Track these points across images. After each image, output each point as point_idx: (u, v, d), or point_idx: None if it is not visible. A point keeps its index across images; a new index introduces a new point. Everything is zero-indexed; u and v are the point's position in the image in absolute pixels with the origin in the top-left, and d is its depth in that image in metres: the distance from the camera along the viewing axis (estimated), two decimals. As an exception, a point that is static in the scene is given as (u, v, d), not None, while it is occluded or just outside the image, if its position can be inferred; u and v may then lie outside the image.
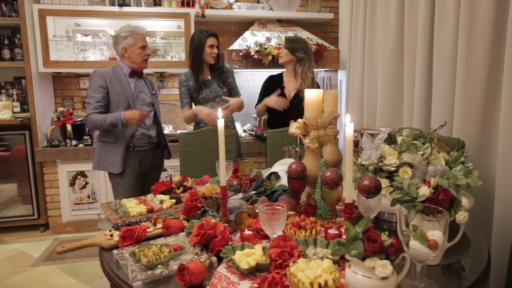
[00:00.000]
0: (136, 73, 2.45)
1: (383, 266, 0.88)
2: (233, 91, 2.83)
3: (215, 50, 2.65)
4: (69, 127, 3.39)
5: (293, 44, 2.80)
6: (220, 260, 1.14)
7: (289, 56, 2.81)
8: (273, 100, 2.81)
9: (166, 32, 3.78)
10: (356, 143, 1.68)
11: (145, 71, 2.52)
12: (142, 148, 2.43)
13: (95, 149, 2.49)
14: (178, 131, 3.23)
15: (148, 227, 1.36)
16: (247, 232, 1.24)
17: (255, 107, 3.02)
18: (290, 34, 3.71)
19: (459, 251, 1.25)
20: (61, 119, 3.38)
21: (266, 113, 3.04)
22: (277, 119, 2.89)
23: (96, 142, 2.48)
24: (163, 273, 1.07)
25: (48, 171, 3.39)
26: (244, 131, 3.75)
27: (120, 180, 2.40)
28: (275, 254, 1.04)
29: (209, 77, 2.73)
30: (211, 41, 2.63)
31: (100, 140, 2.42)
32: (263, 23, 3.83)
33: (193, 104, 2.79)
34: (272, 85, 2.93)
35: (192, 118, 2.74)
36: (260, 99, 2.97)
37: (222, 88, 2.73)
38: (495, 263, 1.94)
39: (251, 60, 3.47)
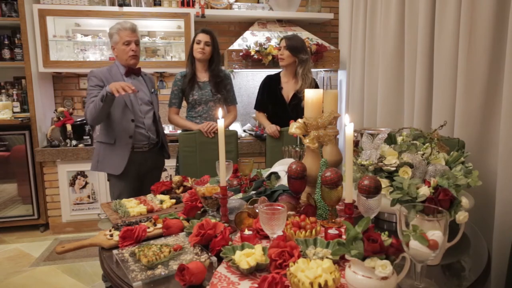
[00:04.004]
0: (133, 71, 2.39)
1: (383, 266, 0.88)
2: (229, 99, 2.81)
3: (201, 46, 2.64)
4: (69, 127, 3.38)
5: (294, 44, 2.76)
6: (220, 260, 1.14)
7: (291, 58, 2.78)
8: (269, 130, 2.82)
9: (166, 32, 3.78)
10: (356, 143, 1.68)
11: (145, 70, 2.50)
12: (141, 149, 2.38)
13: (94, 150, 2.43)
14: (178, 131, 3.23)
15: (148, 227, 1.36)
16: (247, 232, 1.24)
17: (255, 109, 3.01)
18: (290, 34, 3.70)
19: (459, 251, 1.25)
20: (61, 119, 3.38)
21: (265, 113, 3.04)
22: (276, 119, 2.89)
23: (95, 143, 2.43)
24: (163, 273, 1.07)
25: (48, 171, 3.39)
26: (244, 131, 3.75)
27: (118, 182, 2.35)
28: (275, 254, 1.04)
29: (206, 79, 2.73)
30: (199, 36, 2.66)
31: (99, 141, 2.38)
32: (263, 23, 3.83)
33: (183, 104, 2.80)
34: (270, 85, 2.92)
35: (179, 126, 2.75)
36: (259, 100, 2.97)
37: (216, 94, 2.70)
38: (496, 263, 1.94)
39: (251, 60, 3.47)
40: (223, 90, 2.73)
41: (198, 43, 2.65)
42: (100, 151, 2.37)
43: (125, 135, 2.31)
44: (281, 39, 2.85)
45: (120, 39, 2.30)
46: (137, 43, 2.35)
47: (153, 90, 2.50)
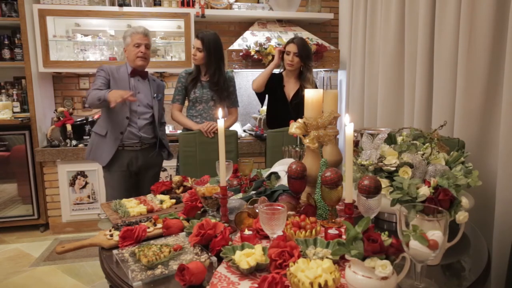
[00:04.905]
0: (138, 73, 2.46)
1: (383, 266, 0.88)
2: (230, 101, 2.76)
3: (193, 52, 2.63)
4: (69, 127, 3.39)
5: (305, 52, 2.78)
6: (220, 260, 1.14)
7: (300, 64, 2.82)
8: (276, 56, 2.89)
9: (166, 32, 3.78)
10: (356, 143, 1.68)
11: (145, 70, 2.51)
12: (132, 148, 2.44)
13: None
14: (178, 131, 3.24)
15: (148, 227, 1.36)
16: (247, 232, 1.24)
17: (252, 82, 2.96)
18: (290, 34, 3.70)
19: (459, 251, 1.25)
20: (61, 119, 3.38)
21: (264, 113, 3.04)
22: (276, 119, 2.89)
23: (92, 132, 2.51)
24: (163, 273, 1.07)
25: (48, 171, 3.39)
26: (244, 131, 3.75)
27: (108, 177, 2.45)
28: (275, 254, 1.04)
29: (208, 79, 2.72)
30: (193, 41, 2.66)
31: (94, 131, 2.46)
32: (263, 23, 3.83)
33: (186, 102, 2.78)
34: (273, 83, 2.92)
35: (180, 123, 2.74)
36: (260, 98, 2.98)
37: (213, 96, 2.68)
38: (496, 263, 1.94)
39: (251, 60, 3.47)
40: (224, 93, 2.71)
41: (193, 48, 2.65)
42: (94, 140, 2.46)
43: (117, 130, 2.39)
44: (289, 43, 2.80)
45: (131, 41, 2.39)
46: (147, 47, 2.43)
47: (155, 95, 2.54)
